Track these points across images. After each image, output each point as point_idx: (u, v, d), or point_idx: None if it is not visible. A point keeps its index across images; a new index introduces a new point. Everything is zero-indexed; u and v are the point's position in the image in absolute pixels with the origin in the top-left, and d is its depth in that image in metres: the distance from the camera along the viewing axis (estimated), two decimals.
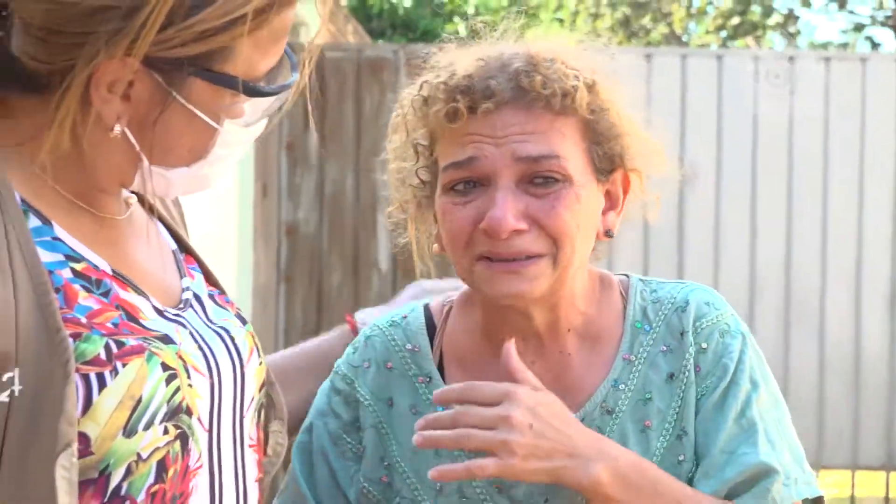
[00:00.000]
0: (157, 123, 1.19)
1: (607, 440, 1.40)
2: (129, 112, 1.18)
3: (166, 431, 1.18)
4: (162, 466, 1.19)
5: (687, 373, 1.45)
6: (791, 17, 19.67)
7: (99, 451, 1.13)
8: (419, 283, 1.77)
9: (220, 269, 1.53)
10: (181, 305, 1.29)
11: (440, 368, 1.53)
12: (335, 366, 1.57)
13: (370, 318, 1.72)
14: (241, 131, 1.26)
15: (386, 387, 1.53)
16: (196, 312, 1.30)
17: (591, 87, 1.42)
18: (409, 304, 1.63)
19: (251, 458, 1.32)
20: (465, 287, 1.55)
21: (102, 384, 1.13)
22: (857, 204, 7.00)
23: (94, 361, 1.12)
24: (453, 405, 1.39)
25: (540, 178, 1.40)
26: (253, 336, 1.37)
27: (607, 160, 1.46)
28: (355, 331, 1.71)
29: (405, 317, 1.57)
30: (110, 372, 1.13)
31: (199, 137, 1.22)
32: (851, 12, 19.50)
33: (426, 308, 1.58)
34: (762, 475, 1.40)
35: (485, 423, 1.34)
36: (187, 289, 1.32)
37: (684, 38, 20.58)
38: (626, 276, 1.56)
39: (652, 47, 15.93)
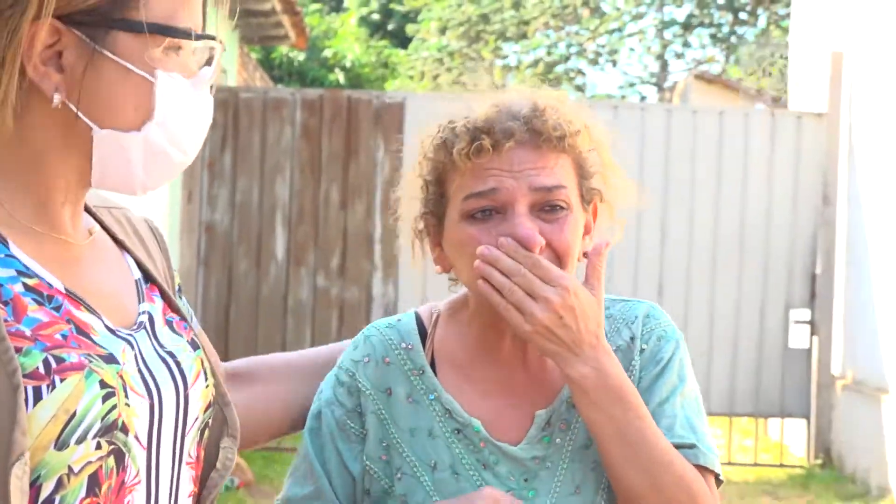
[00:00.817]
0: (85, 77, 1.11)
1: (611, 359, 1.43)
2: (66, 82, 1.12)
3: (99, 447, 1.11)
4: (94, 481, 1.12)
5: (633, 368, 1.50)
6: (579, 73, 22.24)
7: (30, 462, 1.06)
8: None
9: None
10: (135, 327, 1.22)
11: (432, 366, 1.55)
12: (339, 361, 1.57)
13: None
14: (178, 90, 1.18)
15: (384, 378, 1.54)
16: (147, 335, 1.23)
17: (579, 132, 1.47)
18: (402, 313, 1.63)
19: (187, 474, 1.26)
20: (447, 299, 1.60)
21: (38, 397, 1.06)
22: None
23: (33, 375, 1.05)
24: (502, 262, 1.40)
25: (549, 206, 1.44)
26: (202, 360, 1.30)
27: (590, 192, 1.50)
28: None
29: (399, 320, 1.59)
30: (47, 386, 1.07)
31: (139, 92, 1.14)
32: (624, 73, 22.13)
33: (416, 315, 1.59)
34: (680, 448, 1.47)
35: (532, 292, 1.38)
36: (144, 312, 1.25)
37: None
38: None
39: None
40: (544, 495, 1.47)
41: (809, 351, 8.08)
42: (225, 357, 1.64)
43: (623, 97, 20.69)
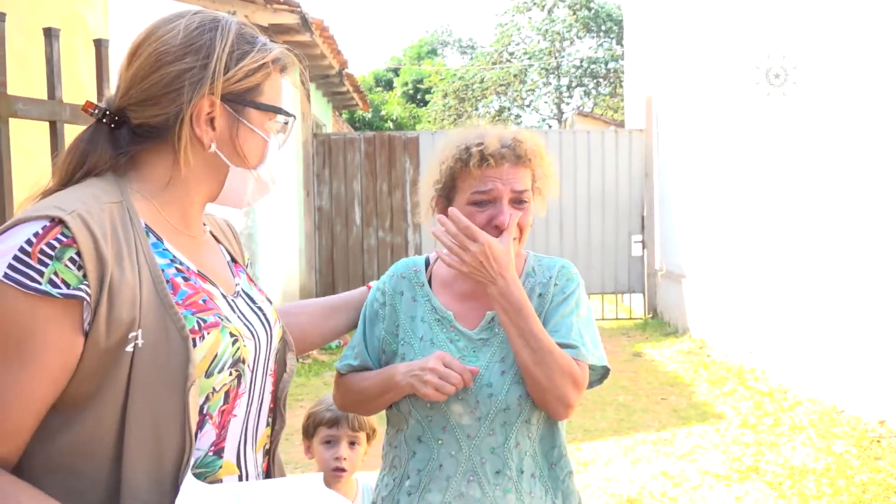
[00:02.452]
0: (230, 135, 1.07)
1: (516, 286, 1.39)
2: (216, 137, 1.07)
3: (230, 374, 1.06)
4: (227, 395, 1.07)
5: (547, 294, 1.48)
6: (517, 116, 24.12)
7: None
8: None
9: None
10: (235, 294, 1.15)
11: (429, 282, 1.53)
12: (381, 278, 1.57)
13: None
14: (275, 143, 1.13)
15: (399, 286, 1.54)
16: (244, 299, 1.16)
17: (537, 153, 1.46)
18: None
19: (269, 380, 1.18)
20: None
21: (195, 345, 1.00)
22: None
23: (191, 331, 1.00)
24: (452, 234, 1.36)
25: (519, 201, 1.43)
26: (275, 311, 1.23)
27: (535, 190, 1.49)
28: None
29: (416, 259, 1.58)
30: (199, 338, 1.02)
31: (259, 148, 1.11)
32: (540, 114, 24.53)
33: (427, 256, 1.57)
34: (567, 347, 1.41)
35: (463, 246, 1.36)
36: (238, 284, 1.18)
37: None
38: (527, 252, 1.54)
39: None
40: (483, 360, 1.45)
41: (643, 257, 8.84)
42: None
43: (540, 127, 22.37)
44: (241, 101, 1.08)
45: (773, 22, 5.89)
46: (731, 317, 6.63)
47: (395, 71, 27.45)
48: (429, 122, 23.56)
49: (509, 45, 23.65)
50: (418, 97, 25.73)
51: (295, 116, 1.16)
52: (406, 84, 26.19)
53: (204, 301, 1.05)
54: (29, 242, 0.92)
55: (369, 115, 18.61)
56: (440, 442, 1.45)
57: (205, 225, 1.19)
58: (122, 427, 0.96)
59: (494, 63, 23.94)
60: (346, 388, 1.55)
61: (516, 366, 1.42)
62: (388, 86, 27.00)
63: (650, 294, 8.89)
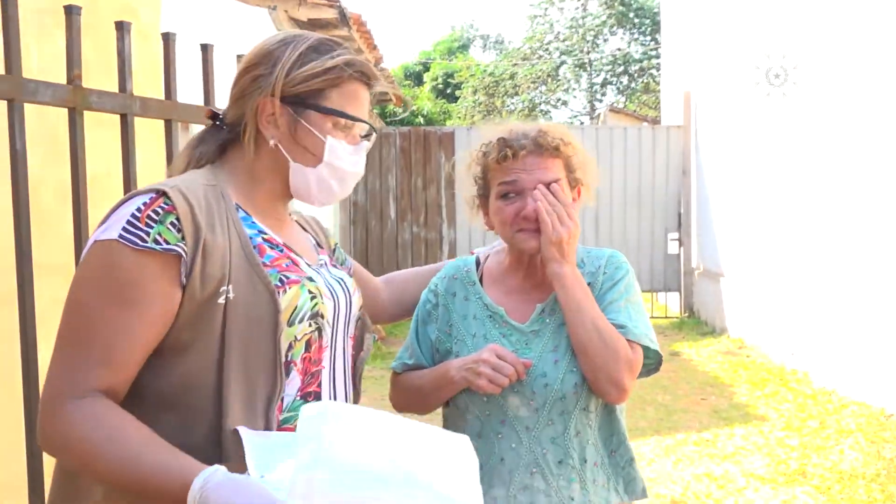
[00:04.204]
0: (290, 133, 1.17)
1: (576, 269, 1.42)
2: (278, 134, 1.17)
3: (310, 325, 1.16)
4: (308, 345, 1.17)
5: (597, 282, 1.47)
6: (548, 112, 24.21)
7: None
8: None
9: None
10: (319, 264, 1.27)
11: (480, 281, 1.53)
12: (432, 280, 1.58)
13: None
14: (341, 149, 1.20)
15: (451, 287, 1.54)
16: (326, 269, 1.28)
17: (567, 144, 1.44)
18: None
19: (349, 343, 1.28)
20: (494, 247, 1.58)
21: (278, 296, 1.12)
22: None
23: (276, 286, 1.12)
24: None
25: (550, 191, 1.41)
26: (354, 283, 1.32)
27: (574, 180, 1.47)
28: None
29: (466, 259, 1.60)
30: (282, 291, 1.13)
31: (316, 146, 1.18)
32: (571, 110, 24.67)
33: (476, 256, 1.60)
34: (617, 327, 1.40)
35: (561, 218, 1.39)
36: (321, 259, 1.29)
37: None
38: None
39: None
40: (535, 351, 1.44)
41: (679, 254, 8.72)
42: None
43: (572, 123, 22.35)
44: (302, 103, 1.17)
45: (806, 14, 5.79)
46: (773, 317, 6.53)
47: (425, 65, 27.48)
48: (459, 117, 23.56)
49: (542, 40, 23.56)
50: (448, 92, 25.73)
51: (365, 122, 1.23)
52: (436, 79, 26.13)
53: (287, 265, 1.18)
54: (139, 210, 1.09)
55: (400, 110, 18.70)
56: (500, 436, 1.44)
57: (291, 215, 1.31)
58: (220, 369, 1.10)
59: (524, 58, 23.84)
60: (401, 387, 1.55)
61: (569, 354, 1.42)
62: (418, 80, 26.95)
63: (686, 292, 8.78)
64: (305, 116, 1.18)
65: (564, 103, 24.52)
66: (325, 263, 1.31)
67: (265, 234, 1.20)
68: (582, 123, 23.01)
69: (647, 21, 22.37)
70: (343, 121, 1.20)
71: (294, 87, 1.17)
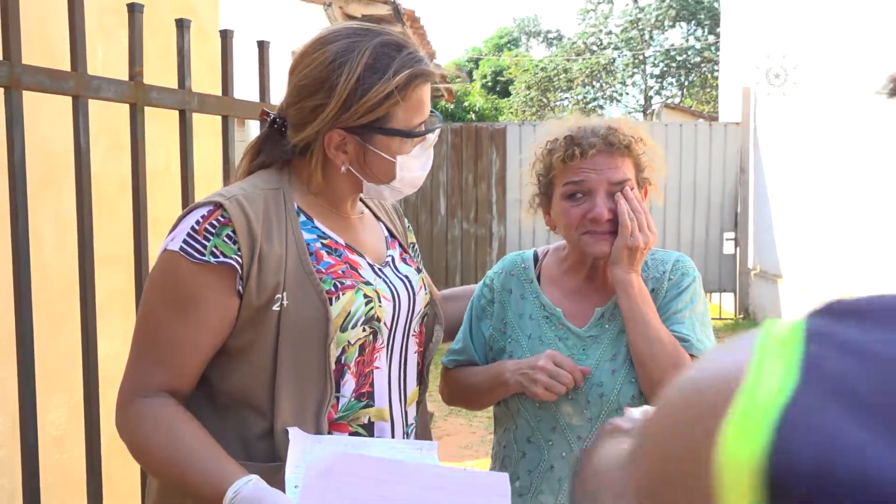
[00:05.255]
0: (359, 158, 1.18)
1: (642, 284, 1.37)
2: (348, 159, 1.18)
3: (364, 330, 1.18)
4: (362, 349, 1.18)
5: (662, 289, 1.42)
6: (600, 107, 24.06)
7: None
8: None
9: None
10: (384, 263, 1.26)
11: (538, 279, 1.49)
12: (487, 273, 1.54)
13: None
14: (412, 160, 1.20)
15: (507, 283, 1.50)
16: (391, 267, 1.27)
17: (638, 142, 1.40)
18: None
19: (413, 341, 1.29)
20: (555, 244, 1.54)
21: (331, 303, 1.14)
22: None
23: (328, 293, 1.14)
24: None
25: (617, 192, 1.36)
26: (423, 279, 1.32)
27: (643, 180, 1.43)
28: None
29: (524, 253, 1.55)
30: (336, 298, 1.15)
31: (388, 168, 1.18)
32: (625, 105, 24.45)
33: (535, 251, 1.54)
34: (680, 340, 1.36)
35: (640, 226, 1.34)
36: (389, 255, 1.28)
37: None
38: None
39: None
40: (592, 358, 1.40)
41: (735, 255, 8.52)
42: None
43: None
44: (368, 130, 1.17)
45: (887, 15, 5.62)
46: None
47: (475, 61, 27.47)
48: (511, 113, 23.57)
49: (596, 33, 23.31)
50: (498, 88, 25.71)
51: (432, 130, 1.22)
52: (485, 76, 26.16)
53: (343, 271, 1.19)
54: (197, 223, 1.13)
55: (451, 106, 18.79)
56: (550, 443, 1.42)
57: (364, 204, 1.33)
58: (274, 372, 1.14)
59: (578, 54, 23.60)
60: (453, 383, 1.53)
61: (627, 364, 1.38)
62: (468, 76, 27.11)
63: (742, 294, 8.57)
64: (374, 142, 1.18)
65: (618, 99, 24.29)
66: (393, 259, 1.31)
67: (325, 237, 1.21)
68: (636, 120, 22.80)
69: (705, 14, 21.91)
70: (409, 139, 1.20)
71: (359, 119, 1.16)
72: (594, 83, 23.72)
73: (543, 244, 1.66)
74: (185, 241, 1.13)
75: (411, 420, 1.31)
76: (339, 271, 1.19)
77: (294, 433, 1.12)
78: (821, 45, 6.75)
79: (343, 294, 1.17)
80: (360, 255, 1.24)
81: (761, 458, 0.33)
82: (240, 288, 1.13)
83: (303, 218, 1.21)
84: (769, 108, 8.18)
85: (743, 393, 0.35)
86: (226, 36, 1.78)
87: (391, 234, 1.36)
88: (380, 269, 1.26)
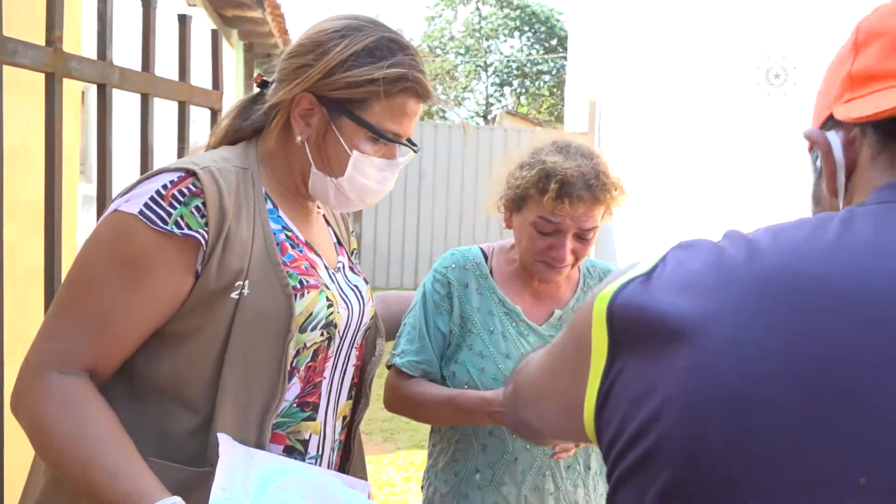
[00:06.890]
0: (318, 136, 1.12)
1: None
2: (307, 132, 1.13)
3: (321, 334, 1.14)
4: (315, 353, 1.14)
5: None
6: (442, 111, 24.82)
7: None
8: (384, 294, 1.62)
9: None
10: (336, 269, 1.23)
11: (490, 275, 1.53)
12: (433, 269, 1.55)
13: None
14: (369, 167, 1.14)
15: (463, 277, 1.52)
16: (343, 274, 1.24)
17: (617, 188, 1.43)
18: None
19: (354, 353, 1.24)
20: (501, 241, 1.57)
21: (296, 299, 1.09)
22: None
23: (294, 289, 1.09)
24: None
25: (583, 238, 1.43)
26: (369, 291, 1.30)
27: (604, 214, 1.46)
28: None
29: (469, 249, 1.57)
30: (300, 295, 1.10)
31: (341, 158, 1.13)
32: (468, 109, 24.78)
33: (479, 247, 1.57)
34: None
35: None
36: (340, 261, 1.26)
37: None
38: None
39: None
40: None
41: None
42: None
43: (468, 123, 23.24)
44: (339, 108, 1.11)
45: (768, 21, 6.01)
46: None
47: None
48: None
49: (439, 37, 23.72)
50: None
51: (399, 142, 1.16)
52: None
53: (306, 268, 1.14)
54: (164, 187, 1.03)
55: None
56: (514, 436, 1.43)
57: (318, 208, 1.27)
58: (218, 366, 1.05)
59: (422, 56, 23.95)
60: (411, 396, 1.47)
61: None
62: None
63: None
64: (339, 123, 1.12)
65: (460, 103, 25.04)
66: (343, 267, 1.27)
67: (289, 230, 1.16)
68: (477, 125, 23.25)
69: (542, 26, 23.01)
70: (373, 135, 1.14)
71: (335, 91, 1.11)
72: (437, 87, 24.27)
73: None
74: (146, 206, 1.02)
75: (337, 435, 1.24)
76: (303, 267, 1.14)
77: (224, 443, 1.02)
78: (655, 61, 7.25)
79: (308, 293, 1.12)
80: (318, 255, 1.20)
81: (609, 306, 0.64)
82: (199, 267, 1.04)
83: (269, 205, 1.14)
84: (612, 120, 8.30)
85: (610, 283, 0.66)
86: (184, 20, 1.71)
87: (338, 240, 1.32)
88: (333, 274, 1.22)
